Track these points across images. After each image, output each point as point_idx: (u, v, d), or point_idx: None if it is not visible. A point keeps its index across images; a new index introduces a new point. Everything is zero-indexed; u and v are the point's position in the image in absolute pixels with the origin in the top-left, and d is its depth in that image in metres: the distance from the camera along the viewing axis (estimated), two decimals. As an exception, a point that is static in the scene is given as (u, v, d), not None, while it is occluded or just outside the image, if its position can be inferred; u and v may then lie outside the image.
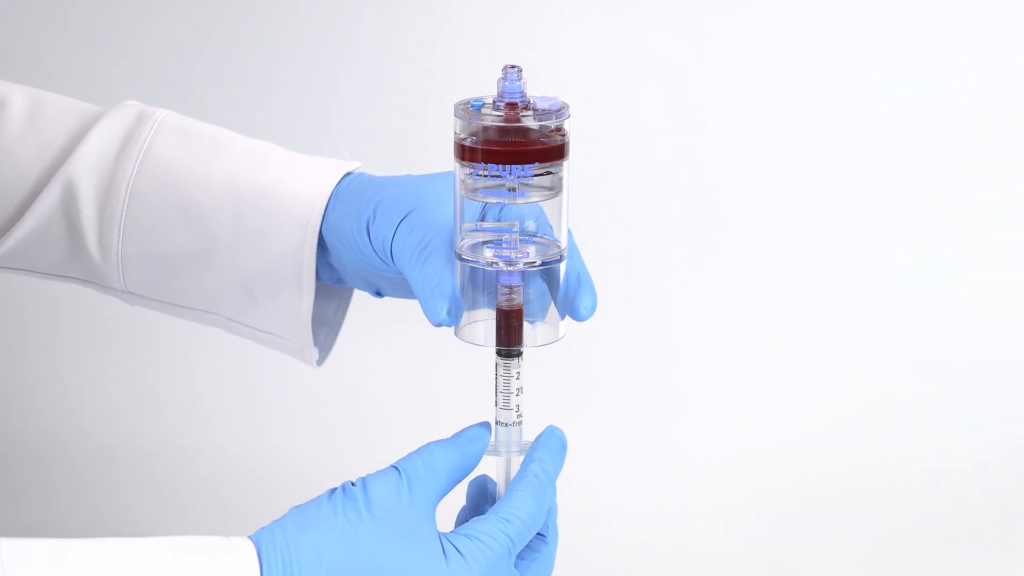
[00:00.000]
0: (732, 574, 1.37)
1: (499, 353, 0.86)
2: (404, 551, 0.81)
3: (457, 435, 0.87)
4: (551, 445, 0.87)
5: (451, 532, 0.84)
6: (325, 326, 1.04)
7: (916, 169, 1.68)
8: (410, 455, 0.85)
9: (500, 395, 0.87)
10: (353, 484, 0.83)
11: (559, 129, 0.82)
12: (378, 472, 0.84)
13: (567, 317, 0.87)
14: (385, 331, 1.61)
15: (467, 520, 0.88)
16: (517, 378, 0.86)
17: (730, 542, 1.41)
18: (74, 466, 1.54)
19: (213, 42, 1.69)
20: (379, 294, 1.00)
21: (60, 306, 1.67)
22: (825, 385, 1.60)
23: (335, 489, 0.83)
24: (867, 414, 1.57)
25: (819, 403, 1.58)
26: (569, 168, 0.83)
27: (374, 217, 0.92)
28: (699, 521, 1.44)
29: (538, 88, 0.85)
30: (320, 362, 1.04)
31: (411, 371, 1.63)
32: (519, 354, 0.86)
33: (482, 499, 0.91)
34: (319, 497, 0.83)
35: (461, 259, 0.85)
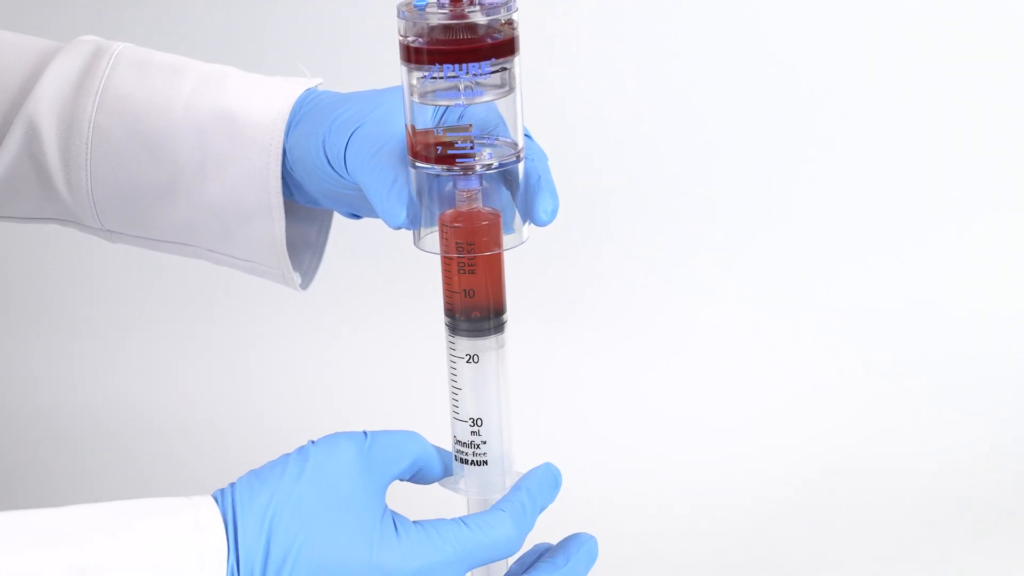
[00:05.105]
0: (722, 564, 1.36)
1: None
2: (336, 515, 0.77)
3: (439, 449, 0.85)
4: (544, 479, 0.83)
5: (404, 517, 0.80)
6: (308, 249, 1.01)
7: (905, 163, 1.66)
8: (388, 430, 0.82)
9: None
10: (313, 442, 0.80)
11: (510, 22, 0.79)
12: (346, 432, 0.81)
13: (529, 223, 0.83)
14: (386, 327, 1.60)
15: None
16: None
17: (720, 532, 1.40)
18: (70, 457, 1.56)
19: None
20: (356, 216, 0.96)
21: (55, 297, 1.66)
22: (819, 375, 1.59)
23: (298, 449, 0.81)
24: (863, 406, 1.55)
25: (813, 395, 1.57)
26: (521, 64, 0.80)
27: (329, 133, 0.89)
28: (687, 511, 1.43)
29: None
30: (304, 286, 1.01)
31: (408, 365, 1.61)
32: None
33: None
34: (280, 456, 0.80)
35: (416, 167, 0.81)
